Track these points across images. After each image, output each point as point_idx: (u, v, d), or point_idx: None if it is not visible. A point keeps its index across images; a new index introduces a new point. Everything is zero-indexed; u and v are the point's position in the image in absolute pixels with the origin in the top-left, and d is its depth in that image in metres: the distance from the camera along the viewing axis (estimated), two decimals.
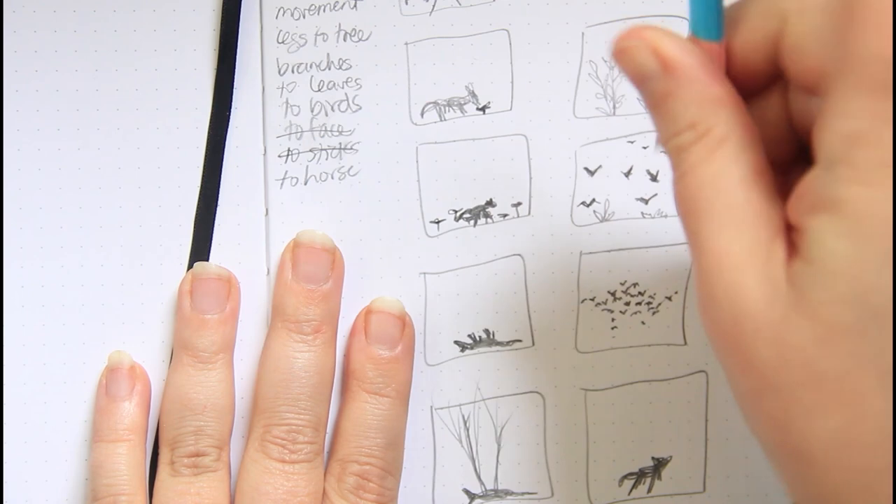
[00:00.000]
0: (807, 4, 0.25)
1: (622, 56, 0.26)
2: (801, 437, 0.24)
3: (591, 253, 0.38)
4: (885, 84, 0.22)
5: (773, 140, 0.27)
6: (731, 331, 0.25)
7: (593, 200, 0.38)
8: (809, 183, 0.24)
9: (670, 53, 0.25)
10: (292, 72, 0.37)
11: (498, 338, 0.38)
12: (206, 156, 0.37)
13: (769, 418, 0.25)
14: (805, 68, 0.25)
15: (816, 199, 0.24)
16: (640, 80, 0.26)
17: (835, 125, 0.23)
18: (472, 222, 0.38)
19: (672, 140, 0.26)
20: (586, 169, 0.38)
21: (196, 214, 0.37)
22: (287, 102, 0.37)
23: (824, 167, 0.23)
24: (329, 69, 0.37)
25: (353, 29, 0.37)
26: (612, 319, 0.38)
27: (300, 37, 0.37)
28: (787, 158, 0.28)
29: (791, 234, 0.25)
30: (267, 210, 0.38)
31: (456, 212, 0.38)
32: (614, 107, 0.38)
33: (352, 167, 0.38)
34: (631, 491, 0.38)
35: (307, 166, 0.38)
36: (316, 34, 0.37)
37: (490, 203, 0.38)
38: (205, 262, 0.37)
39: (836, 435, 0.23)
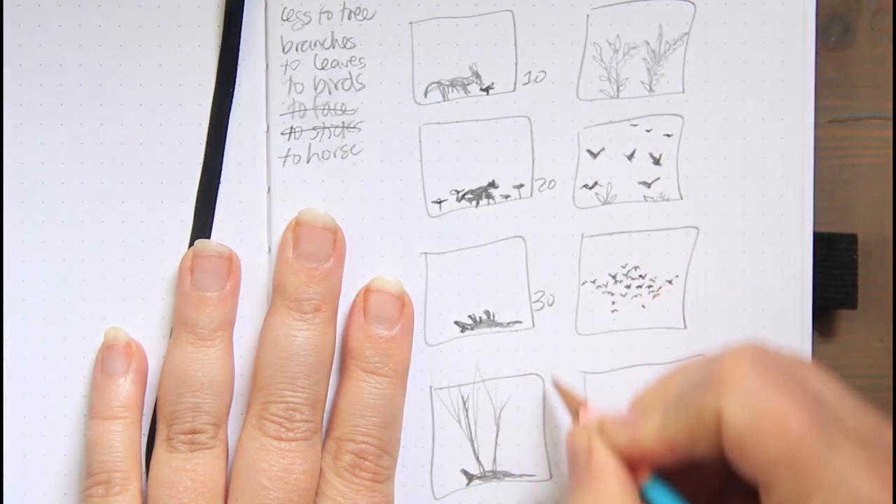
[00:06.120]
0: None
1: (571, 436, 0.34)
2: None
3: (592, 235, 0.38)
4: None
5: None
6: None
7: (595, 183, 0.38)
8: None
9: (596, 451, 0.32)
10: (296, 49, 0.37)
11: (498, 319, 0.38)
12: (208, 132, 0.37)
13: None
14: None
15: None
16: (572, 456, 0.33)
17: None
18: (473, 203, 0.38)
19: None
20: (589, 151, 0.38)
21: (198, 191, 0.37)
22: (291, 80, 0.37)
23: None
24: (333, 47, 0.37)
25: (358, 7, 0.37)
26: (613, 302, 0.38)
27: (304, 14, 0.37)
28: None
29: None
30: (269, 188, 0.38)
31: (458, 192, 0.38)
32: (618, 89, 0.38)
33: (354, 146, 0.38)
34: None
35: (310, 144, 0.37)
36: (320, 12, 0.37)
37: (492, 184, 0.38)
38: (206, 240, 0.37)
39: None
